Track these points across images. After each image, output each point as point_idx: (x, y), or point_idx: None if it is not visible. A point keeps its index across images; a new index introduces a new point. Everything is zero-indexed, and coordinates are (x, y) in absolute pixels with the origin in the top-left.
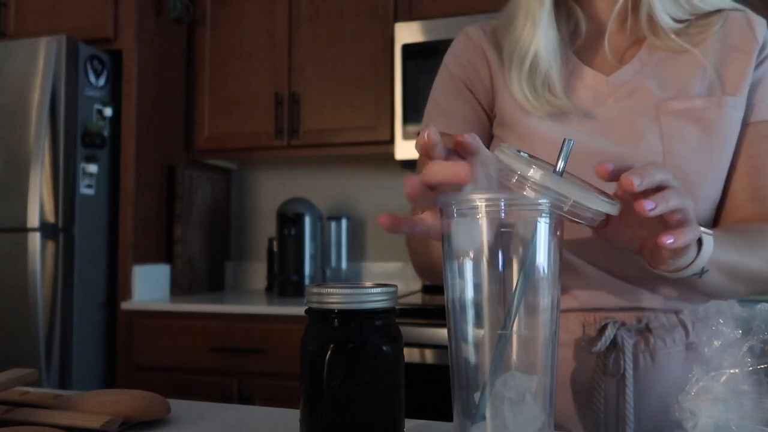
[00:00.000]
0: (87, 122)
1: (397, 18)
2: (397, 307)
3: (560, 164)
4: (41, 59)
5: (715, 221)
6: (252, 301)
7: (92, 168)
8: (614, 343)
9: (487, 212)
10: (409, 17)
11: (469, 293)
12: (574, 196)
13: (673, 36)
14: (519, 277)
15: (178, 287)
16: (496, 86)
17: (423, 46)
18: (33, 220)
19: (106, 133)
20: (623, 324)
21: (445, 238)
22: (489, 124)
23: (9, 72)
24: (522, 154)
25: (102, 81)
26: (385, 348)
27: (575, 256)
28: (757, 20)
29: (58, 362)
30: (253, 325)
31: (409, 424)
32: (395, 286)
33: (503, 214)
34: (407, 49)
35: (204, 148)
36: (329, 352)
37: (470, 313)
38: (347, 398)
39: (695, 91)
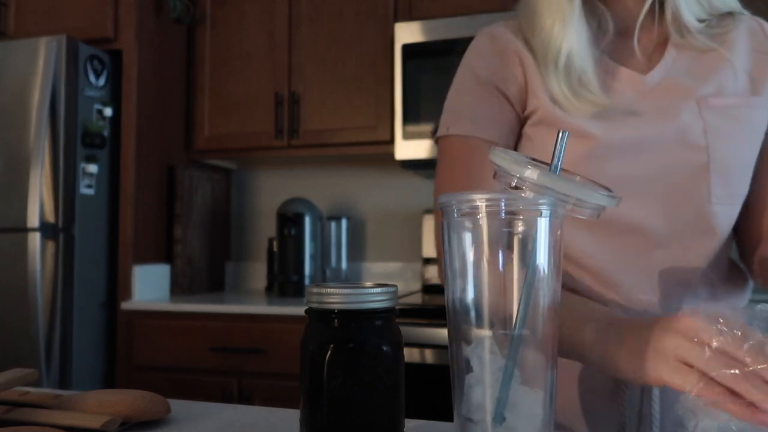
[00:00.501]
0: (87, 122)
1: (397, 18)
2: (397, 307)
3: (555, 161)
4: (41, 59)
5: (741, 218)
6: (252, 301)
7: (92, 168)
8: None
9: (488, 212)
10: (409, 17)
11: (470, 293)
12: (572, 193)
13: (697, 35)
14: (526, 276)
15: (178, 287)
16: (530, 85)
17: (423, 46)
18: (33, 220)
19: (106, 133)
20: None
21: (445, 237)
22: (517, 124)
23: (9, 72)
24: (516, 154)
25: (102, 81)
26: (385, 348)
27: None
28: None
29: (58, 362)
30: (253, 325)
31: (409, 423)
32: (395, 286)
33: (503, 214)
34: (407, 49)
35: (204, 148)
36: (329, 352)
37: (471, 314)
38: (347, 398)
39: (729, 88)
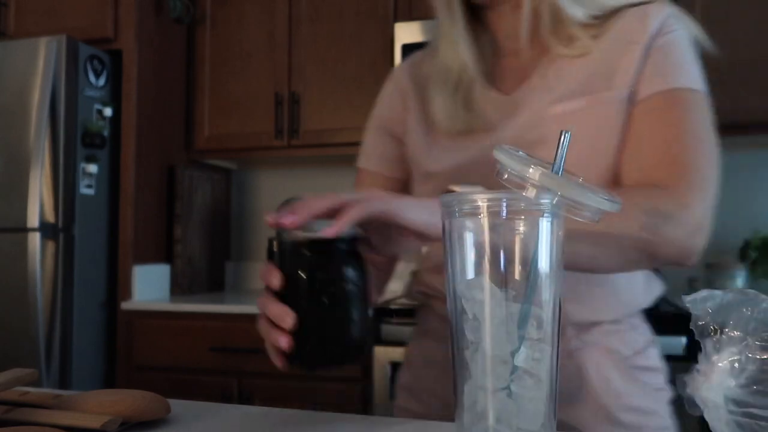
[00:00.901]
0: (87, 122)
1: (397, 18)
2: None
3: (558, 162)
4: (41, 59)
5: None
6: (252, 301)
7: (92, 168)
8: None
9: (489, 212)
10: (409, 17)
11: (472, 293)
12: (572, 195)
13: (577, 41)
14: (528, 276)
15: (178, 287)
16: (409, 115)
17: (423, 46)
18: (33, 220)
19: (106, 133)
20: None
21: (447, 237)
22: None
23: (9, 72)
24: (519, 153)
25: (102, 81)
26: (350, 265)
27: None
28: (654, 11)
29: (58, 362)
30: (253, 325)
31: (410, 424)
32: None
33: (504, 214)
34: (407, 49)
35: (204, 148)
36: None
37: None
38: (328, 298)
39: (584, 91)
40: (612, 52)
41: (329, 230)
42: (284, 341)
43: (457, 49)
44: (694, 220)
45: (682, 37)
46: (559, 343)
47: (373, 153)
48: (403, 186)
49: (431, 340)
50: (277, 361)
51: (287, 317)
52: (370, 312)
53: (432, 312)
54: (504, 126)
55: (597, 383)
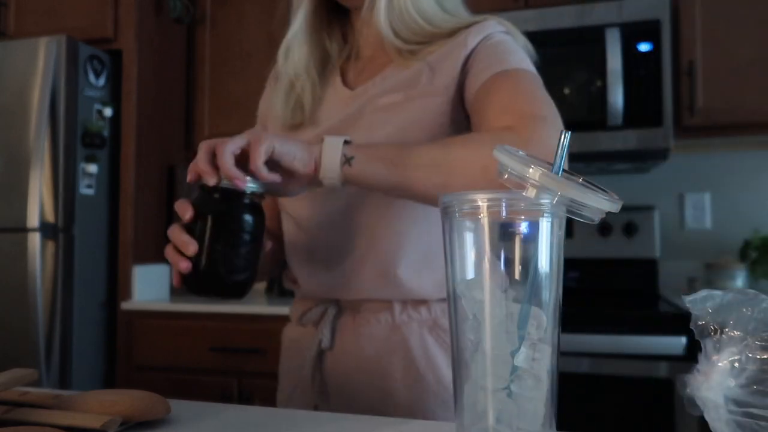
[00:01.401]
0: (87, 122)
1: None
2: (259, 192)
3: (558, 162)
4: (41, 59)
5: None
6: (252, 301)
7: (92, 168)
8: (324, 319)
9: (489, 212)
10: None
11: (472, 293)
12: (572, 194)
13: (409, 56)
14: (528, 276)
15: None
16: (270, 111)
17: None
18: (33, 220)
19: (106, 133)
20: (337, 302)
21: (447, 237)
22: None
23: (9, 72)
24: (519, 153)
25: (102, 81)
26: (250, 213)
27: (304, 248)
28: (478, 28)
29: (58, 362)
30: (253, 325)
31: (409, 424)
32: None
33: (504, 214)
34: None
35: None
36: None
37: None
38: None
39: (400, 87)
40: (437, 59)
41: (238, 183)
42: (184, 265)
43: (299, 49)
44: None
45: (506, 38)
46: (559, 344)
47: None
48: None
49: (292, 322)
50: (175, 281)
51: (191, 246)
52: (260, 261)
53: (296, 299)
54: (331, 117)
55: (420, 360)
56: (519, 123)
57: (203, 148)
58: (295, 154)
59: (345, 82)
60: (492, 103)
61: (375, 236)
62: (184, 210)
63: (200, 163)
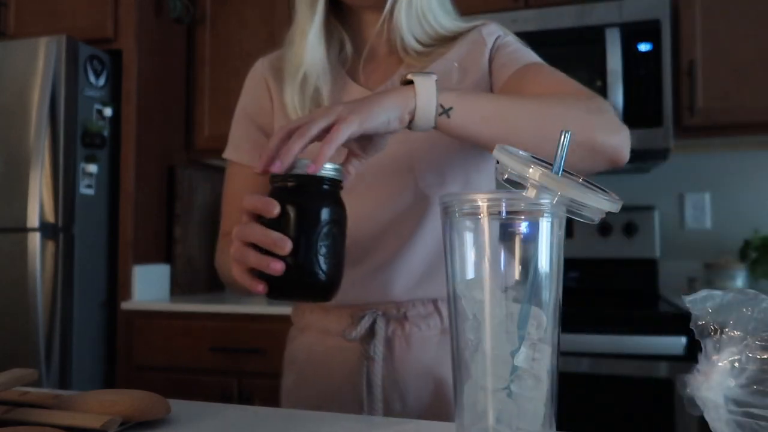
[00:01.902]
0: (87, 122)
1: None
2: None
3: (558, 162)
4: (41, 59)
5: None
6: (252, 301)
7: (92, 168)
8: (373, 331)
9: (489, 212)
10: None
11: (472, 293)
12: (572, 194)
13: (420, 56)
14: (528, 276)
15: (178, 287)
16: (275, 109)
17: None
18: (33, 220)
19: (106, 133)
20: (384, 313)
21: (447, 237)
22: None
23: (9, 72)
24: (520, 153)
25: (102, 81)
26: (335, 205)
27: None
28: (488, 29)
29: (58, 362)
30: (253, 325)
31: (409, 424)
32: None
33: (505, 214)
34: None
35: (204, 148)
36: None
37: (472, 313)
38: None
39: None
40: (464, 58)
41: (311, 167)
42: (278, 265)
43: (309, 46)
44: (615, 118)
45: (511, 39)
46: (559, 344)
47: (243, 145)
48: None
49: (312, 333)
50: (258, 288)
51: (285, 243)
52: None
53: (308, 307)
54: None
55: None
56: (583, 94)
57: (279, 135)
58: (389, 117)
59: (356, 82)
60: (534, 85)
61: (412, 235)
62: (268, 204)
63: (293, 144)
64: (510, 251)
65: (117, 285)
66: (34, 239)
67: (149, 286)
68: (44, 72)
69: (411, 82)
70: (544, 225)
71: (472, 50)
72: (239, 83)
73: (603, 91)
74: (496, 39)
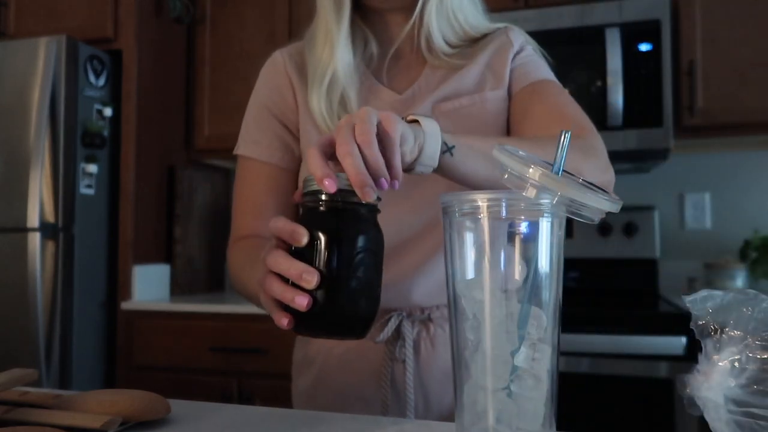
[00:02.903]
0: (87, 122)
1: None
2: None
3: (558, 162)
4: (41, 59)
5: None
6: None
7: (92, 168)
8: (399, 333)
9: (489, 212)
10: None
11: (472, 293)
12: (572, 194)
13: (448, 57)
14: (528, 276)
15: (178, 287)
16: (299, 107)
17: None
18: (33, 220)
19: (106, 133)
20: (409, 315)
21: (447, 237)
22: (297, 145)
23: (9, 72)
24: (520, 153)
25: (102, 81)
26: (378, 230)
27: None
28: (515, 32)
29: (58, 362)
30: (253, 325)
31: (409, 424)
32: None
33: (505, 214)
34: None
35: (204, 148)
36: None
37: (472, 313)
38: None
39: (465, 91)
40: (492, 59)
41: (382, 182)
42: (304, 300)
43: (338, 52)
44: (605, 157)
45: (534, 51)
46: (559, 344)
47: (262, 140)
48: (294, 176)
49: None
50: (283, 322)
51: (312, 276)
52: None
53: None
54: None
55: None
56: (578, 133)
57: (319, 147)
58: (408, 139)
59: (381, 83)
60: (541, 108)
61: (439, 243)
62: (295, 233)
63: (321, 167)
64: (510, 251)
65: (117, 285)
66: (34, 239)
67: (149, 286)
68: (44, 72)
69: (414, 121)
70: (544, 225)
71: (500, 53)
72: (239, 83)
73: (603, 91)
74: (521, 44)
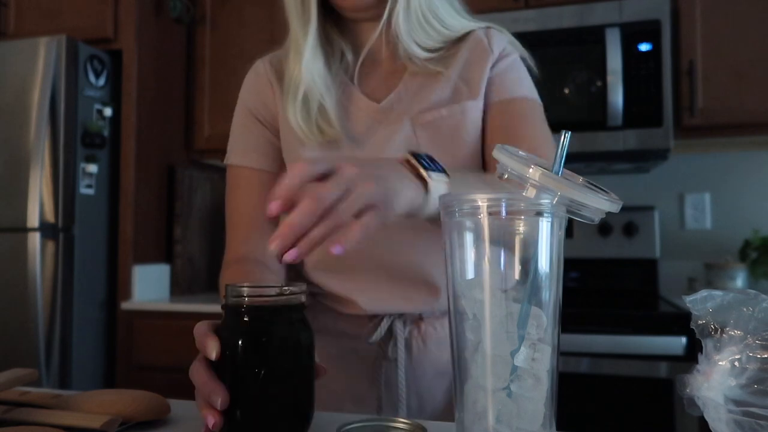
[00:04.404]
0: (87, 122)
1: None
2: (303, 303)
3: (558, 162)
4: (41, 59)
5: None
6: None
7: (92, 168)
8: (391, 333)
9: (489, 212)
10: None
11: (472, 293)
12: (572, 195)
13: (425, 62)
14: (528, 276)
15: (178, 287)
16: (281, 120)
17: None
18: (33, 220)
19: (106, 133)
20: (400, 315)
21: (446, 237)
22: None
23: (9, 72)
24: (519, 153)
25: (102, 81)
26: (291, 341)
27: (356, 262)
28: (496, 37)
29: (58, 362)
30: None
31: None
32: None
33: (505, 214)
34: None
35: (204, 148)
36: (241, 345)
37: (472, 313)
38: (260, 387)
39: (444, 101)
40: (465, 69)
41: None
42: (211, 420)
43: (306, 64)
44: None
45: (517, 60)
46: (559, 344)
47: (248, 148)
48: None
49: (326, 336)
50: (208, 421)
51: (217, 397)
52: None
53: (320, 309)
54: (368, 132)
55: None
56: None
57: (294, 182)
58: (412, 200)
59: (360, 91)
60: (508, 132)
61: (428, 249)
62: (206, 346)
63: (288, 189)
64: (510, 251)
65: (117, 285)
66: (34, 239)
67: (149, 286)
68: (44, 72)
69: (416, 156)
70: (544, 225)
71: (477, 59)
72: (239, 83)
73: (603, 91)
74: (501, 51)
